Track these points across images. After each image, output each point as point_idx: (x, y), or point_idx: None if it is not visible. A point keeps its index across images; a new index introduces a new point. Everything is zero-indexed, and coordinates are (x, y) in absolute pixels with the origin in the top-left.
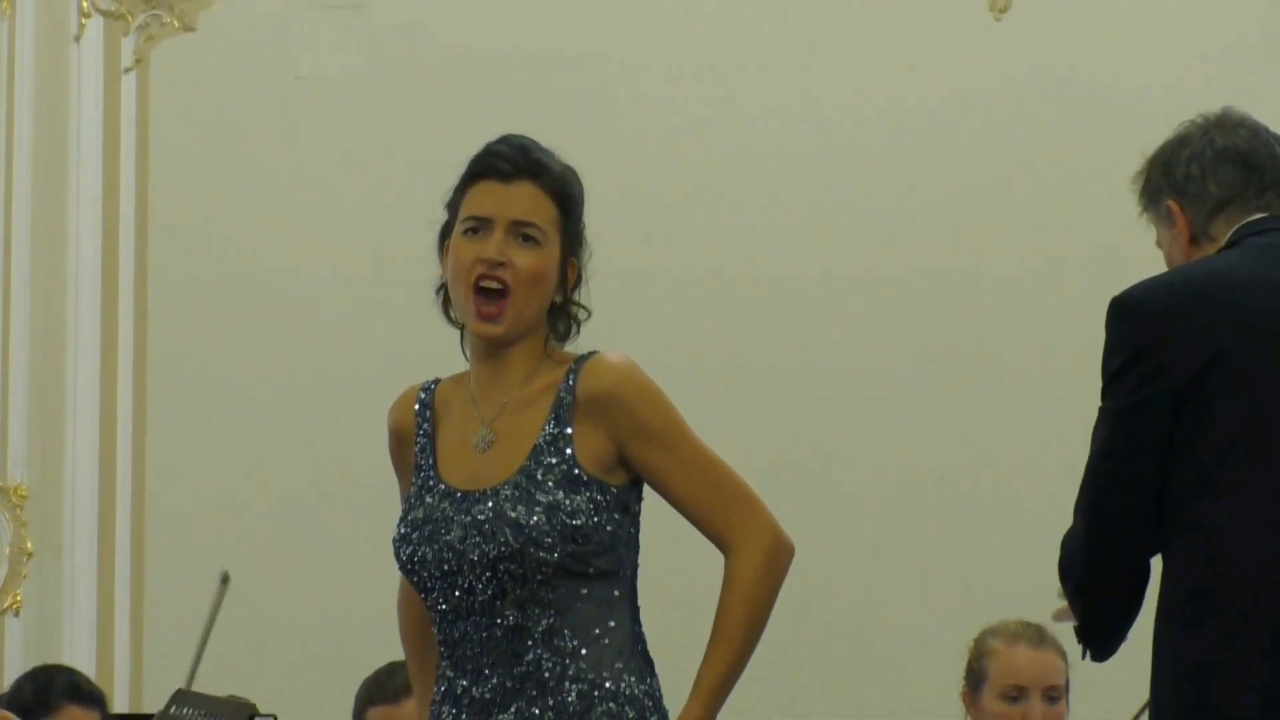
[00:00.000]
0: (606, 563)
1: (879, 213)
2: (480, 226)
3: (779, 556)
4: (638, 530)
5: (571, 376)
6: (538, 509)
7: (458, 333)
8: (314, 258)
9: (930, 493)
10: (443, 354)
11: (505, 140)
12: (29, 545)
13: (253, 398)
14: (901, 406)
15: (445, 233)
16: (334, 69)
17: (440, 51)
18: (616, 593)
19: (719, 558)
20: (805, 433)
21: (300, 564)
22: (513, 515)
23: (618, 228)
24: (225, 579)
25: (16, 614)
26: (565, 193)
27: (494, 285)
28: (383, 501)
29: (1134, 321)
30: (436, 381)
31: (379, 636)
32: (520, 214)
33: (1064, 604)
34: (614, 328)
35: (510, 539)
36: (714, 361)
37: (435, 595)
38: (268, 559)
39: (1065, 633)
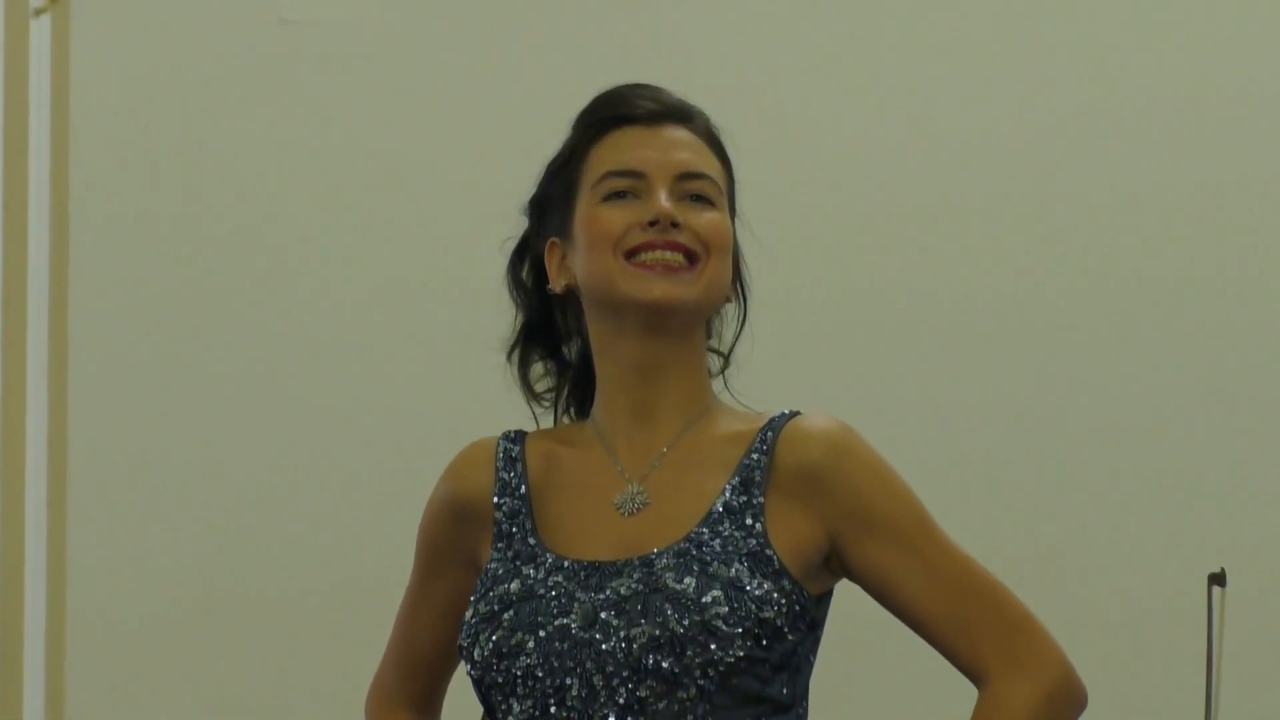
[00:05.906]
0: (785, 687)
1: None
2: (628, 188)
3: (1066, 703)
4: (815, 658)
5: (769, 435)
6: (715, 584)
7: (506, 379)
8: (303, 266)
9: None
10: (490, 410)
11: (629, 86)
12: None
13: (220, 471)
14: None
15: (522, 251)
16: (329, 11)
17: None
18: None
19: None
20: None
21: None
22: (677, 587)
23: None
24: None
25: None
26: (723, 146)
27: (671, 257)
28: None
29: None
30: (521, 432)
31: None
32: (687, 163)
33: None
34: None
35: (673, 620)
36: (914, 420)
37: (526, 707)
38: (242, 701)
39: None
